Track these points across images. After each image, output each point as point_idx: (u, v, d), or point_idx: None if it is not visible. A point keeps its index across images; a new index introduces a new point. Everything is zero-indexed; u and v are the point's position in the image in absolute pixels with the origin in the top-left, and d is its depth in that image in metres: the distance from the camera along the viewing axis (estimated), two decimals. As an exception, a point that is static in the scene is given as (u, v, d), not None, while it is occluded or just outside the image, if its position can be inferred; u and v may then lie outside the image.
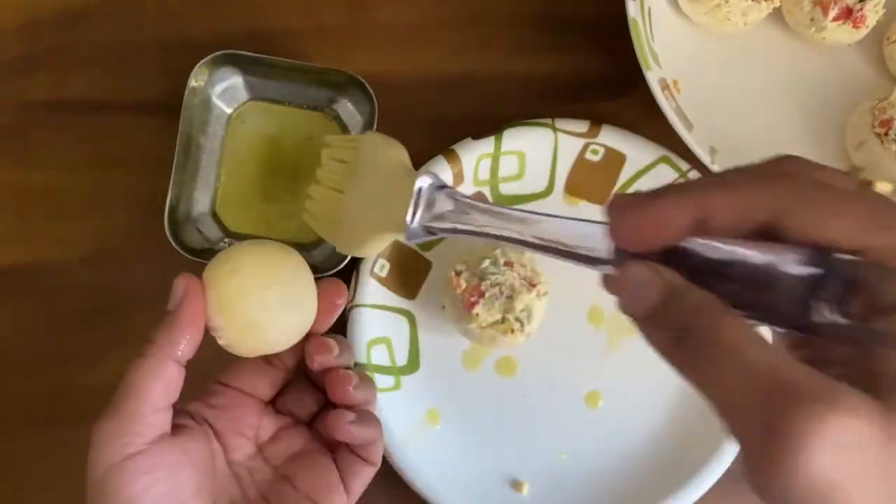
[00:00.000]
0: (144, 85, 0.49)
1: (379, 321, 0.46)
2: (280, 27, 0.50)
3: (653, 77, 0.42)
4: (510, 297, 0.43)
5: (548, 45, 0.50)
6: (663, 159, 0.47)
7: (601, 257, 0.26)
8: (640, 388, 0.47)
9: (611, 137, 0.47)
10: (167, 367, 0.31)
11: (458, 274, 0.44)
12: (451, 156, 0.46)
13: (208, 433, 0.35)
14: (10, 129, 0.49)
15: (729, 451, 0.45)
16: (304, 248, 0.47)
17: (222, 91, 0.47)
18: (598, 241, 0.26)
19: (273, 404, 0.38)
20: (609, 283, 0.24)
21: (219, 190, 0.48)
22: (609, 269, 0.26)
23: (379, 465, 0.37)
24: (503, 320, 0.43)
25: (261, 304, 0.33)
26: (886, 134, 0.45)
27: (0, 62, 0.49)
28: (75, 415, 0.48)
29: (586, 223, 0.28)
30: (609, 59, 0.50)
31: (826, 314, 0.22)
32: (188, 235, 0.46)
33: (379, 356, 0.46)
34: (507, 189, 0.48)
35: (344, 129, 0.48)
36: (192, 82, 0.45)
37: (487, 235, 0.32)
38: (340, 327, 0.45)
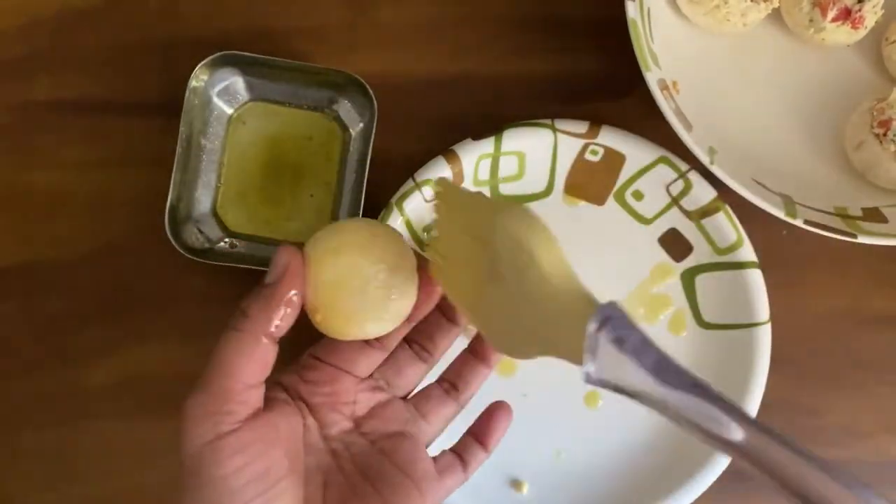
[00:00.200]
0: (145, 85, 0.49)
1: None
2: (280, 27, 0.50)
3: (652, 78, 0.43)
4: (510, 297, 0.43)
5: (548, 45, 0.50)
6: (662, 159, 0.47)
7: None
8: (640, 387, 0.47)
9: (610, 138, 0.47)
10: (260, 344, 0.30)
11: (459, 274, 0.44)
12: (451, 156, 0.46)
13: (302, 408, 0.33)
14: (10, 129, 0.49)
15: (728, 451, 0.46)
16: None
17: (223, 91, 0.47)
18: None
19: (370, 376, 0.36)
20: None
21: (219, 190, 0.48)
22: None
23: (469, 476, 0.36)
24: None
25: (361, 289, 0.31)
26: (885, 134, 0.45)
27: (0, 62, 0.49)
28: (75, 415, 0.48)
29: None
30: (609, 60, 0.50)
31: None
32: (189, 235, 0.46)
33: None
34: (506, 189, 0.48)
35: (344, 129, 0.48)
36: (193, 83, 0.45)
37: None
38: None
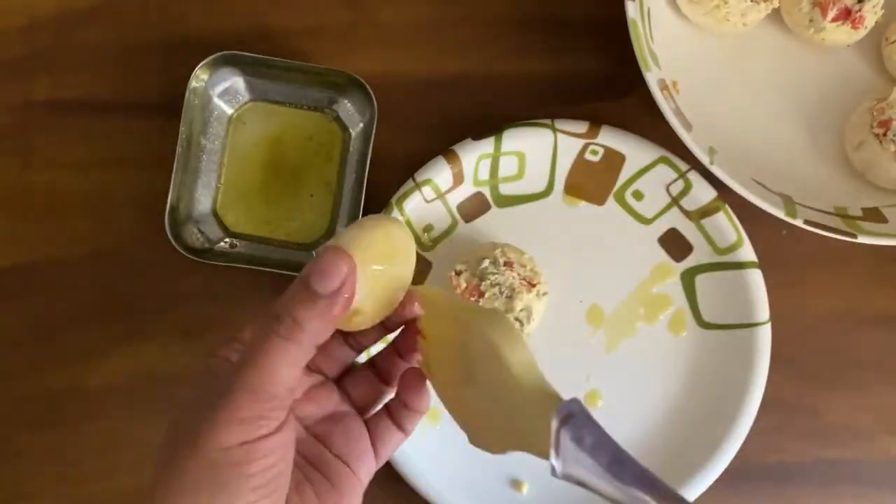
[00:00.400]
0: (145, 85, 0.49)
1: (379, 321, 0.46)
2: (280, 27, 0.50)
3: (652, 78, 0.43)
4: (510, 297, 0.43)
5: (548, 45, 0.50)
6: (662, 159, 0.47)
7: None
8: (640, 388, 0.47)
9: (610, 138, 0.47)
10: (310, 355, 0.29)
11: (459, 274, 0.44)
12: (451, 156, 0.46)
13: None
14: (10, 129, 0.49)
15: (729, 451, 0.46)
16: (305, 247, 0.47)
17: (223, 92, 0.47)
18: None
19: None
20: None
21: (220, 190, 0.48)
22: None
23: (410, 435, 0.36)
24: (503, 320, 0.43)
25: (372, 283, 0.31)
26: (885, 134, 0.45)
27: (1, 62, 0.49)
28: (75, 415, 0.48)
29: None
30: (609, 60, 0.50)
31: None
32: (189, 235, 0.46)
33: (379, 356, 0.46)
34: (506, 189, 0.48)
35: (344, 129, 0.48)
36: (193, 83, 0.45)
37: None
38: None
